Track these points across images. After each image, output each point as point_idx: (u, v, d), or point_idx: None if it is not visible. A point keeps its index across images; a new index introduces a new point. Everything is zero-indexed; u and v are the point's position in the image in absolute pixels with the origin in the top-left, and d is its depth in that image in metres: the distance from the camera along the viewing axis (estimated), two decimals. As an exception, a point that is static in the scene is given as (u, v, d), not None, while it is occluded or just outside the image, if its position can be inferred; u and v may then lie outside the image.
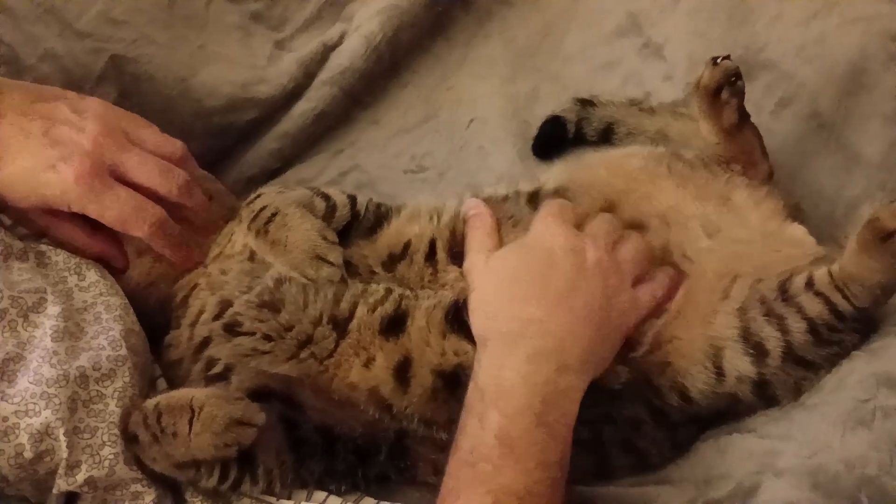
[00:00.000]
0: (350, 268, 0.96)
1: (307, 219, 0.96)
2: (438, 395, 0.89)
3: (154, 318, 0.99)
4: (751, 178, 1.08)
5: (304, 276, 0.93)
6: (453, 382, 0.89)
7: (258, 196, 1.00)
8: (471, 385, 0.84)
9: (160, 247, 0.96)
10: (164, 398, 0.87)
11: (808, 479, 0.77)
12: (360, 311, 0.92)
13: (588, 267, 0.88)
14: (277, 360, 0.92)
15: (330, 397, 0.91)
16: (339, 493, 0.90)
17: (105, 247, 0.98)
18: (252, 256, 0.98)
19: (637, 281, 0.93)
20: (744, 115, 1.07)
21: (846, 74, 1.16)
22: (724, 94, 1.05)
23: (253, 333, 0.92)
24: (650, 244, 0.97)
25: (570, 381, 0.83)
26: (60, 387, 0.83)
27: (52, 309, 0.88)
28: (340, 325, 0.92)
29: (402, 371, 0.90)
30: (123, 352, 0.89)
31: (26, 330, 0.87)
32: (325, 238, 0.94)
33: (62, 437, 0.82)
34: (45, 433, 0.82)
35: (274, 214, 0.96)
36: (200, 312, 0.96)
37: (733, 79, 1.04)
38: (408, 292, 0.94)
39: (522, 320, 0.85)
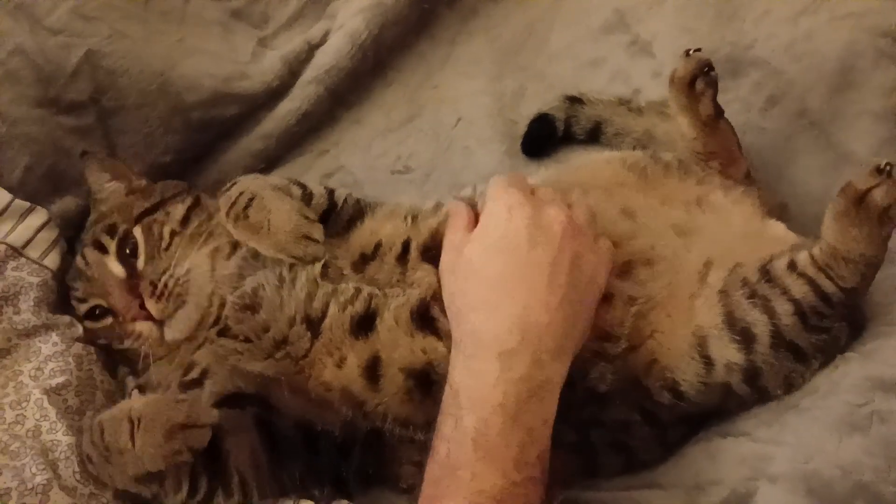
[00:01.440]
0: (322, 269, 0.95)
1: (285, 200, 0.96)
2: (413, 395, 0.88)
3: None
4: (730, 176, 1.08)
5: (290, 257, 0.93)
6: (426, 382, 0.88)
7: (234, 183, 0.99)
8: (446, 387, 0.82)
9: None
10: (106, 413, 0.84)
11: (803, 485, 0.75)
12: (332, 309, 0.92)
13: (554, 239, 0.84)
14: (255, 358, 0.91)
15: (307, 397, 0.90)
16: (325, 502, 0.89)
17: None
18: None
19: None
20: (718, 109, 1.08)
21: (835, 71, 1.15)
22: (699, 85, 1.06)
23: (235, 336, 0.93)
24: (614, 235, 0.96)
25: (545, 374, 0.80)
26: None
27: None
28: (314, 325, 0.92)
29: (372, 370, 0.89)
30: None
31: None
32: (306, 217, 0.94)
33: None
34: None
35: (251, 199, 0.95)
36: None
37: (706, 69, 1.05)
38: (377, 291, 0.93)
39: (491, 318, 0.82)
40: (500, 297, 0.83)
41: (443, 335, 0.89)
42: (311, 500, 0.89)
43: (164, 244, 0.97)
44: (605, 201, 0.99)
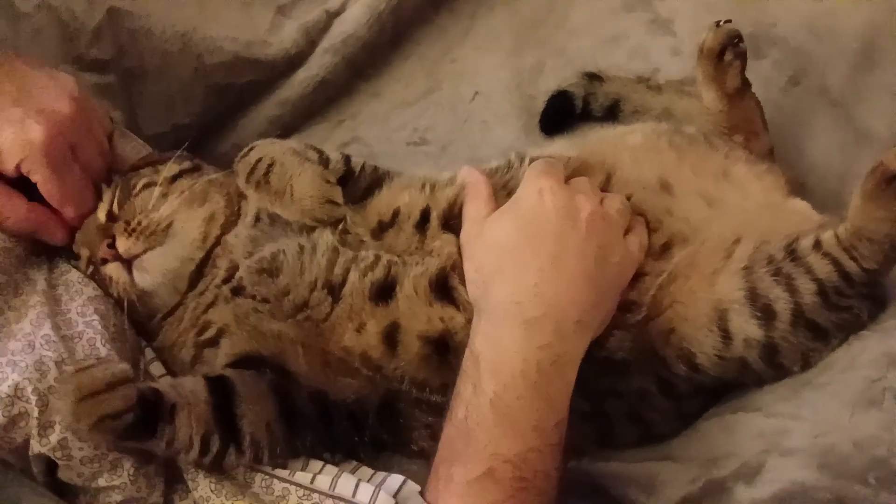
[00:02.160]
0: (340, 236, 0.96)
1: (306, 164, 0.96)
2: (430, 360, 0.89)
3: None
4: (752, 150, 1.08)
5: (314, 221, 0.94)
6: (442, 348, 0.89)
7: (251, 148, 0.99)
8: (466, 352, 0.84)
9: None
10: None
11: (817, 459, 0.76)
12: (353, 276, 0.92)
13: (581, 224, 0.87)
14: (275, 318, 0.92)
15: (323, 360, 0.91)
16: (334, 463, 0.89)
17: (43, 218, 0.94)
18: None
19: (625, 232, 0.93)
20: (746, 81, 1.08)
21: (857, 50, 1.15)
22: (728, 56, 1.07)
23: (253, 296, 0.93)
24: (652, 213, 0.97)
25: (566, 346, 0.82)
26: (27, 353, 0.82)
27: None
28: (335, 290, 0.92)
29: (390, 336, 0.90)
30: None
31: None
32: (327, 181, 0.95)
33: (31, 396, 0.80)
34: (15, 396, 0.80)
35: (271, 164, 0.96)
36: (213, 277, 0.96)
37: (736, 40, 1.06)
38: (396, 259, 0.93)
39: (517, 288, 0.84)
40: (523, 267, 0.84)
41: (461, 305, 0.90)
42: (323, 461, 0.89)
43: (135, 191, 0.97)
44: (645, 170, 1.00)
